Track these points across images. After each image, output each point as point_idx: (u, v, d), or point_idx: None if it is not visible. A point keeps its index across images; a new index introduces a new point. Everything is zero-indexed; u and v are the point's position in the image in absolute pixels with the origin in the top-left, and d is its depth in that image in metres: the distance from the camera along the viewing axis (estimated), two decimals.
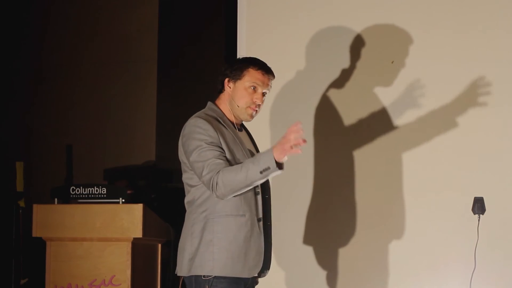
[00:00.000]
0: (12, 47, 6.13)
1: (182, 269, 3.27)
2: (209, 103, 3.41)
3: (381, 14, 4.56)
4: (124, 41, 5.99)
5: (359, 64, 4.56)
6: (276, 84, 4.62)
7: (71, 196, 4.66)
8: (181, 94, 5.58)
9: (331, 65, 4.59)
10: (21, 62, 6.15)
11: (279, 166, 3.10)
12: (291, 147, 3.07)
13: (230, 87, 3.36)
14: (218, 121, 3.31)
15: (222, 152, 3.21)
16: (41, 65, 6.12)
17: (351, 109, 4.55)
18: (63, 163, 5.89)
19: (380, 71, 4.53)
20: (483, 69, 4.41)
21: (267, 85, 3.38)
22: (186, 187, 3.35)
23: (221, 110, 3.37)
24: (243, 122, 3.48)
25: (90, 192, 4.62)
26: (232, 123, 3.38)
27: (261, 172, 3.10)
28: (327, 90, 4.59)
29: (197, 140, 3.22)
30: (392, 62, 4.52)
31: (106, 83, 6.01)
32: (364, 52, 4.56)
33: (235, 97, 3.35)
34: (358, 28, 4.58)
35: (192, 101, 5.62)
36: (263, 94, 3.37)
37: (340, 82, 4.58)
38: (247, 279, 3.28)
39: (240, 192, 3.19)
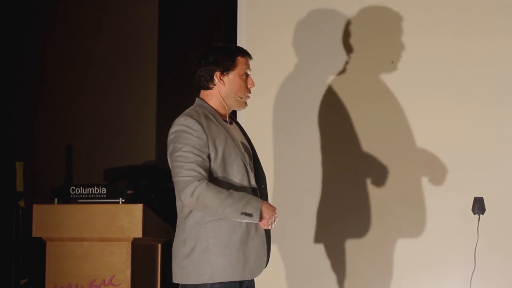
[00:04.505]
0: (14, 48, 6.13)
1: (177, 277, 3.19)
2: (198, 100, 3.30)
3: (381, 14, 4.56)
4: (124, 41, 5.99)
5: (359, 64, 4.56)
6: (276, 85, 4.63)
7: (71, 196, 4.65)
8: (181, 94, 5.58)
9: (331, 65, 4.59)
10: (21, 62, 6.15)
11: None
12: (269, 224, 3.12)
13: (223, 81, 3.24)
14: (208, 119, 3.19)
15: (206, 160, 3.11)
16: (41, 65, 6.11)
17: (351, 109, 4.55)
18: (63, 163, 5.89)
19: (380, 71, 4.52)
20: (483, 70, 4.41)
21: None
22: (176, 193, 3.22)
23: (211, 106, 3.26)
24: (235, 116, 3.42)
25: (90, 192, 4.62)
26: (223, 117, 3.27)
27: (241, 213, 3.06)
28: (327, 90, 4.59)
29: (184, 139, 3.11)
30: (392, 62, 4.52)
31: (106, 83, 6.00)
32: (364, 52, 4.56)
33: (233, 88, 3.24)
34: (358, 29, 4.58)
35: (192, 101, 5.62)
36: None
37: (340, 82, 4.58)
38: (246, 281, 3.21)
39: (204, 212, 3.11)
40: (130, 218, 4.48)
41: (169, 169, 5.75)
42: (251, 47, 4.62)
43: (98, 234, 4.50)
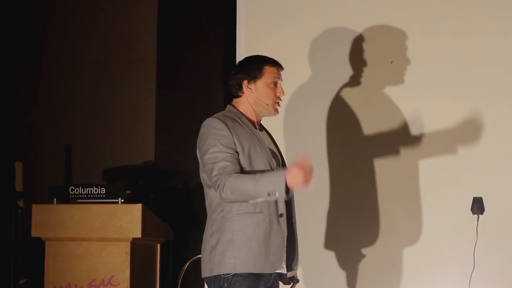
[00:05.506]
0: (12, 48, 6.13)
1: (204, 270, 3.30)
2: (229, 106, 3.44)
3: (381, 14, 4.56)
4: (124, 41, 5.99)
5: (358, 64, 4.55)
6: None
7: (70, 196, 4.66)
8: (180, 95, 5.58)
9: (331, 66, 4.59)
10: (21, 62, 6.15)
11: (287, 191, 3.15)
12: (304, 183, 3.11)
13: (251, 88, 3.39)
14: (235, 121, 3.33)
15: (234, 154, 3.24)
16: (41, 65, 6.12)
17: (350, 109, 4.55)
18: (62, 163, 5.89)
19: (380, 71, 4.52)
20: (483, 69, 4.41)
21: (281, 78, 3.46)
22: (204, 189, 3.37)
23: (239, 111, 3.40)
24: (261, 123, 3.50)
25: (89, 192, 4.62)
26: (252, 122, 3.40)
27: (268, 194, 3.14)
28: (326, 91, 4.58)
29: (210, 140, 3.25)
30: (391, 62, 4.52)
31: (106, 83, 6.00)
32: (364, 52, 4.56)
33: (260, 96, 3.39)
34: (357, 29, 4.58)
35: (192, 101, 5.62)
36: None
37: (339, 82, 4.58)
38: (268, 277, 3.30)
39: (245, 202, 3.21)
40: (129, 218, 4.49)
41: (169, 169, 5.77)
42: (250, 48, 4.66)
43: (97, 234, 4.51)
